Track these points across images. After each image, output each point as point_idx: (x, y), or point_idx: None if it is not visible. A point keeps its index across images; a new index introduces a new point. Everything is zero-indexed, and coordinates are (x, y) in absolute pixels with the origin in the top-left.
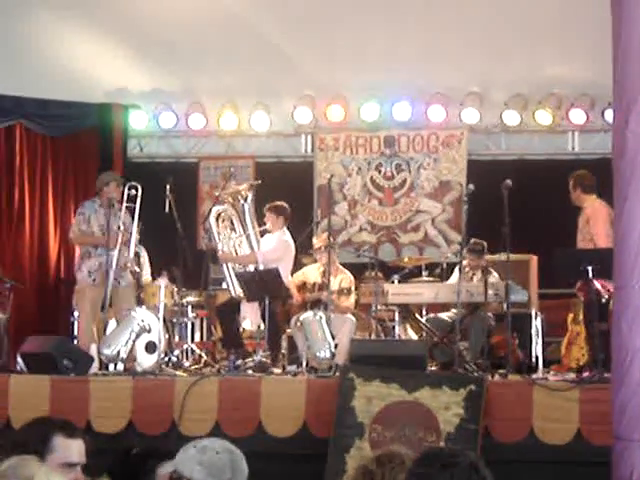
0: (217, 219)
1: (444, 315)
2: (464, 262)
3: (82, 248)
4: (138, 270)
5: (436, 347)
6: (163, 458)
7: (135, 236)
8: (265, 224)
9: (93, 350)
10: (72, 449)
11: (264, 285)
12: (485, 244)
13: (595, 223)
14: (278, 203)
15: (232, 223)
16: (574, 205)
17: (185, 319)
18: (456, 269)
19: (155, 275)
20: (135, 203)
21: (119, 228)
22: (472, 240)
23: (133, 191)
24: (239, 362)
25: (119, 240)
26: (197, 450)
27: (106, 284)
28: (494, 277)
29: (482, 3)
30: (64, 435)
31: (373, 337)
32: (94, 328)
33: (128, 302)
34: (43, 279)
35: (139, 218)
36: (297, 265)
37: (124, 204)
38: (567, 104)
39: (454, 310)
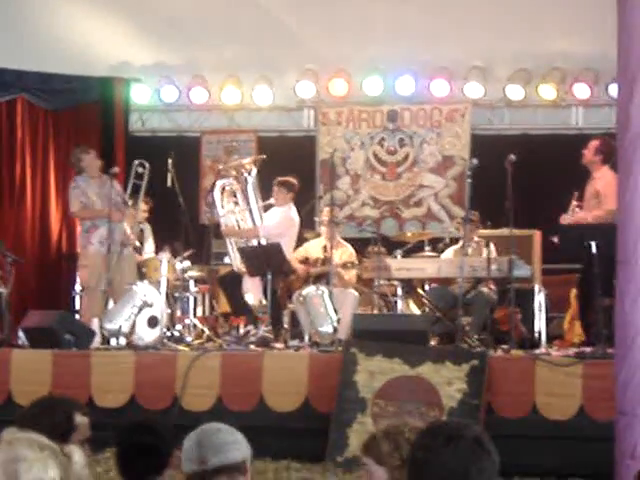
0: (221, 193)
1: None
2: (460, 234)
3: (87, 223)
4: (139, 244)
5: (436, 322)
6: (167, 431)
7: (141, 212)
8: (269, 198)
9: (95, 324)
10: (87, 425)
11: (266, 260)
12: (478, 215)
13: (606, 201)
14: (289, 179)
15: (236, 197)
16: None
17: (187, 294)
18: (449, 249)
19: (157, 250)
20: (142, 180)
21: (124, 201)
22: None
23: (140, 169)
24: (243, 333)
25: (126, 213)
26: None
27: (108, 257)
28: (492, 251)
29: None
30: (81, 413)
31: (376, 312)
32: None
33: (129, 272)
34: (44, 254)
35: (147, 194)
36: (300, 240)
37: (131, 179)
38: (571, 79)
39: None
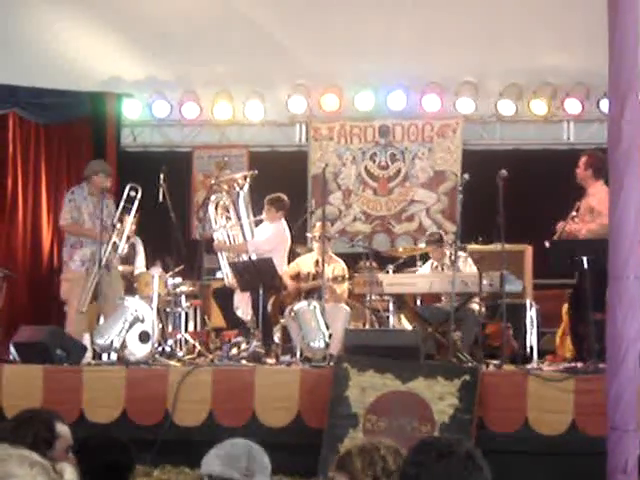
0: (215, 208)
1: (439, 304)
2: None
3: (72, 238)
4: (121, 269)
5: (426, 339)
6: (130, 446)
7: (126, 234)
8: (261, 213)
9: (86, 340)
10: (69, 433)
11: (258, 275)
12: (443, 234)
13: (600, 216)
14: (280, 197)
15: (228, 212)
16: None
17: (179, 309)
18: (426, 264)
19: (149, 265)
20: (133, 204)
21: (113, 224)
22: (428, 232)
23: (133, 192)
24: (234, 351)
25: (113, 236)
26: (217, 448)
27: (93, 275)
28: (471, 265)
29: None
30: (62, 422)
31: (367, 327)
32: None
33: (116, 289)
34: (36, 268)
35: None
36: (292, 255)
37: (122, 203)
38: (562, 94)
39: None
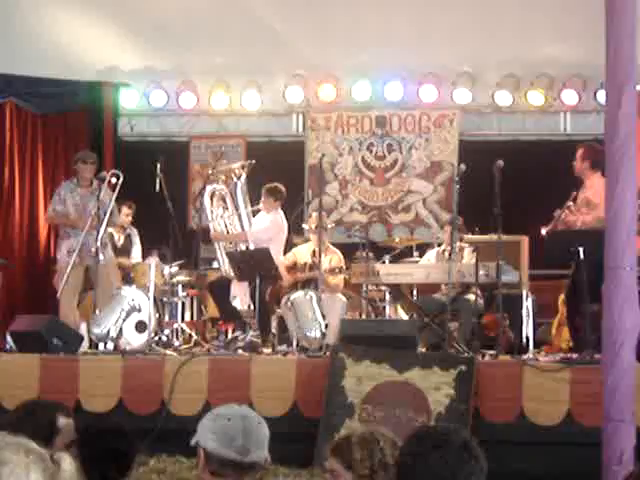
0: (211, 198)
1: (436, 295)
2: (443, 237)
3: (60, 229)
4: (102, 258)
5: (424, 329)
6: (131, 435)
7: (105, 221)
8: (258, 203)
9: (83, 329)
10: (72, 427)
11: (255, 264)
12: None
13: (596, 209)
14: (277, 186)
15: (225, 202)
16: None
17: (175, 298)
18: (431, 250)
19: (145, 255)
20: (114, 191)
21: (98, 210)
22: (451, 215)
23: (114, 179)
24: (230, 339)
25: (88, 223)
26: (210, 419)
27: (71, 264)
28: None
29: None
30: (65, 416)
31: (364, 317)
32: (74, 307)
33: (109, 278)
34: (33, 258)
35: (130, 199)
36: (288, 245)
37: (104, 187)
38: (559, 85)
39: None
